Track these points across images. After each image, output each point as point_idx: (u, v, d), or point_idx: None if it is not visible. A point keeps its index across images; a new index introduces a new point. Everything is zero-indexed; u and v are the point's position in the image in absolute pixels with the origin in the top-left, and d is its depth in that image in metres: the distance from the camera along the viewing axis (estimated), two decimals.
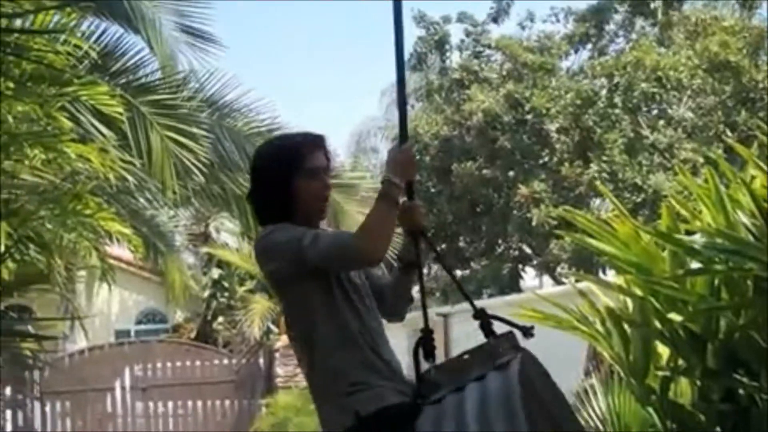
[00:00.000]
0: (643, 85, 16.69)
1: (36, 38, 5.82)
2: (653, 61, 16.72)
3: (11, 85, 5.69)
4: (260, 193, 3.46)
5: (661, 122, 16.85)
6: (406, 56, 17.22)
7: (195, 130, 8.95)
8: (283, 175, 3.37)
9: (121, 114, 7.05)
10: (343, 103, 52.30)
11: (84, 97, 6.52)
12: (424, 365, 3.28)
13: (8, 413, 15.61)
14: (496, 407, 3.02)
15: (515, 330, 3.29)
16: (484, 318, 3.34)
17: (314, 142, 3.46)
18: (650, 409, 4.62)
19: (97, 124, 7.40)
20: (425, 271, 18.76)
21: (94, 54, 7.48)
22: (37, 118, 5.99)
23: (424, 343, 3.31)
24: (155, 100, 8.90)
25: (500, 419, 2.99)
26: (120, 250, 11.93)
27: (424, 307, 3.50)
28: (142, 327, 23.60)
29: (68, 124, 6.36)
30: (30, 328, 7.86)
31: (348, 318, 3.31)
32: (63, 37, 6.35)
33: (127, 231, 7.64)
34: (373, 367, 3.28)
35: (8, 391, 15.48)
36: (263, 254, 3.38)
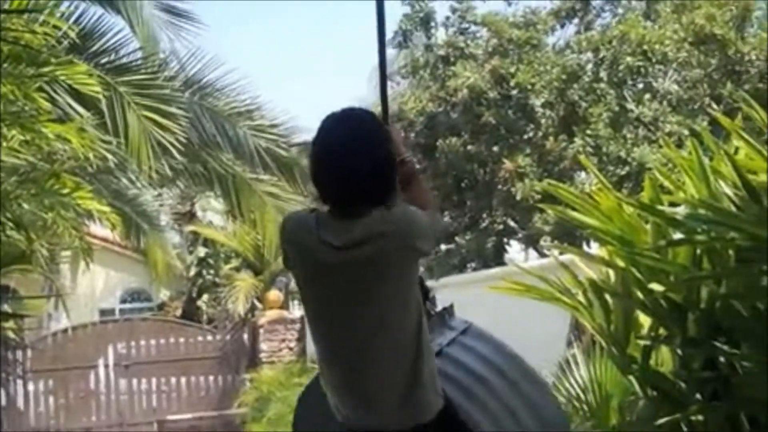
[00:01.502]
0: (629, 59, 16.62)
1: (13, 18, 5.76)
2: (639, 35, 16.63)
3: None
4: (392, 167, 3.20)
5: (647, 96, 16.78)
6: (391, 34, 17.00)
7: (173, 109, 8.91)
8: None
9: (98, 93, 7.00)
10: (330, 83, 52.13)
11: (62, 77, 6.46)
12: None
13: None
14: (512, 370, 3.21)
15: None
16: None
17: None
18: (631, 378, 4.63)
19: (74, 104, 7.36)
20: None
21: (72, 34, 7.42)
22: (15, 99, 5.92)
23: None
24: (133, 81, 8.86)
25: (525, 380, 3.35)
26: (105, 230, 11.88)
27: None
28: (127, 306, 23.58)
29: (46, 104, 6.29)
30: (6, 308, 7.79)
31: None
32: (41, 17, 6.29)
33: (105, 209, 7.58)
34: None
35: None
36: (427, 230, 3.21)
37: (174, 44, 10.14)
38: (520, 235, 19.57)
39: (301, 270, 3.18)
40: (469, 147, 18.25)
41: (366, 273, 3.05)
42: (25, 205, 6.62)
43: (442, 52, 19.42)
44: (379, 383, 3.13)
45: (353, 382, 3.18)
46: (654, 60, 16.71)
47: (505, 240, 19.83)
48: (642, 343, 4.42)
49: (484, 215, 19.40)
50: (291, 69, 48.77)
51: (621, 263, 4.48)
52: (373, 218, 3.03)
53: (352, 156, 3.08)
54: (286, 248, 3.20)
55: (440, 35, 20.46)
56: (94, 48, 9.17)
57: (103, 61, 9.13)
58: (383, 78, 3.67)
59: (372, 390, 3.15)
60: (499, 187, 17.66)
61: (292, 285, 20.14)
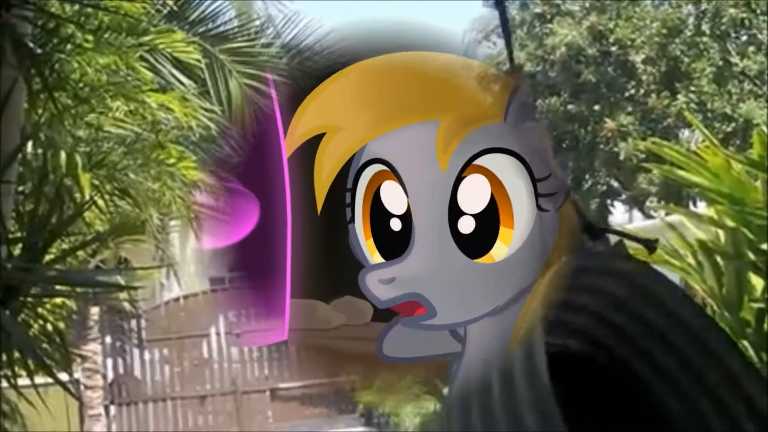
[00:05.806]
0: (732, 10, 16.18)
1: None
2: None
3: (89, 37, 5.71)
4: None
5: (751, 48, 16.35)
6: None
7: (274, 76, 8.95)
8: None
9: (198, 61, 7.06)
10: None
11: (161, 45, 6.52)
12: None
13: (109, 361, 16.03)
14: None
15: None
16: None
17: None
18: (745, 342, 4.52)
19: (176, 73, 7.44)
20: None
21: (170, 2, 7.49)
22: (117, 69, 6.00)
23: None
24: (233, 48, 8.92)
25: None
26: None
27: None
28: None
29: (148, 74, 6.37)
30: (119, 279, 7.95)
31: None
32: None
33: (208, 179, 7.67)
34: None
35: (108, 339, 15.91)
36: None
37: (269, 10, 10.17)
38: (624, 196, 19.33)
39: None
40: (570, 106, 18.04)
41: None
42: (132, 176, 6.72)
43: (538, 10, 19.19)
44: None
45: None
46: (758, 11, 16.23)
47: (609, 201, 19.61)
48: (755, 306, 4.33)
49: (587, 176, 19.21)
50: None
51: (731, 223, 4.39)
52: None
53: None
54: None
55: None
56: (193, 17, 9.25)
57: (201, 29, 9.20)
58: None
59: None
60: (602, 147, 17.44)
61: None
